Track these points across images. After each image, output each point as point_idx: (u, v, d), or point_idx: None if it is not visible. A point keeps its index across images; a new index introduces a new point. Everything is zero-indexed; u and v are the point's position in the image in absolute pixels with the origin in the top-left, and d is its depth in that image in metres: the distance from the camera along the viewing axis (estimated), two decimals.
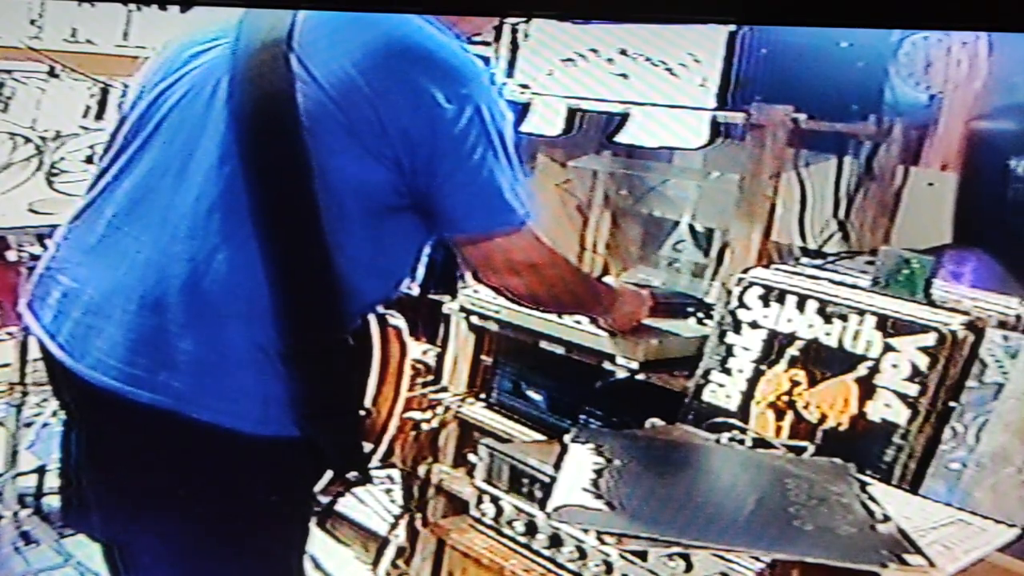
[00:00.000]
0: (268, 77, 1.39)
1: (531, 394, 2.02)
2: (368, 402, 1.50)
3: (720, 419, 1.67)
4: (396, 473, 2.16)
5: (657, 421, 1.72)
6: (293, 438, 1.43)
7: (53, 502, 2.66)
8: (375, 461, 1.55)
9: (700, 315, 1.88)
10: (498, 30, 2.08)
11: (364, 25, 1.39)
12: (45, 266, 1.54)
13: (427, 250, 1.55)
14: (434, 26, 1.42)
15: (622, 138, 1.95)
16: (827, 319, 1.62)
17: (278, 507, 1.48)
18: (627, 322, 1.77)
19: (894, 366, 1.54)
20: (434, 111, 1.38)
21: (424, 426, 2.05)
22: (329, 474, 1.49)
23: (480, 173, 1.42)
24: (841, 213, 1.94)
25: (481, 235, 1.47)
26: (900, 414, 1.52)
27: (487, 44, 2.09)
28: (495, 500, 1.67)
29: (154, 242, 1.41)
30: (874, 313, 1.58)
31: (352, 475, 1.49)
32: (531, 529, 1.62)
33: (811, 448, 1.57)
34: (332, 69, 1.37)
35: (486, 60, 2.05)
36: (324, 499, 1.51)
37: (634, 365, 1.77)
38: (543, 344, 1.89)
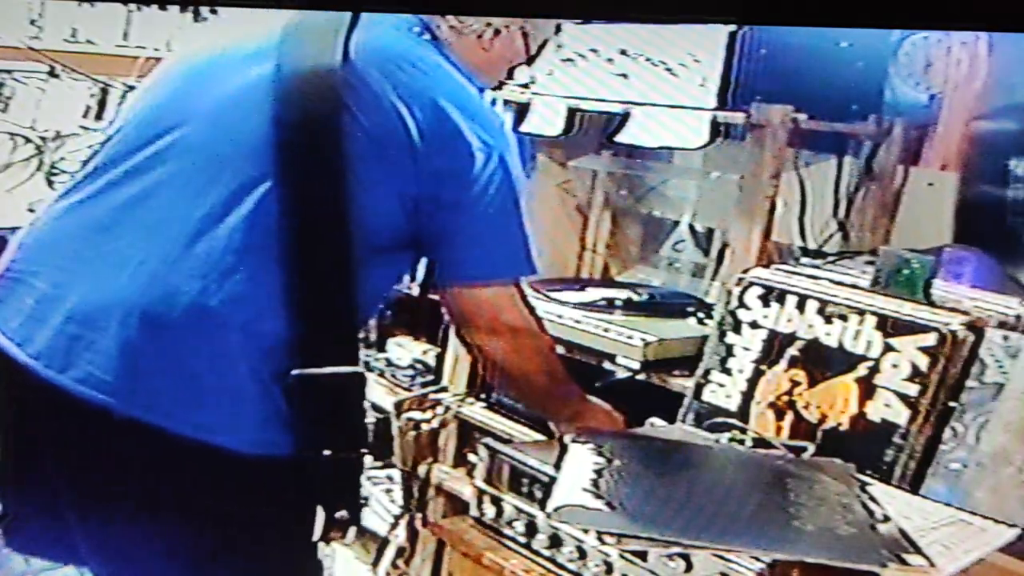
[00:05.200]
0: (317, 104, 1.38)
1: None
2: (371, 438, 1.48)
3: (720, 419, 1.67)
4: (396, 473, 2.15)
5: (657, 421, 1.72)
6: (289, 462, 1.39)
7: None
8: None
9: (700, 315, 1.88)
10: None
11: (418, 71, 1.43)
12: (5, 268, 1.46)
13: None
14: (463, 75, 1.47)
15: (622, 138, 1.95)
16: (827, 319, 1.62)
17: (275, 532, 1.44)
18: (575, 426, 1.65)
19: (894, 366, 1.54)
20: (469, 158, 1.41)
21: (424, 426, 2.04)
22: (321, 517, 1.44)
23: (498, 221, 1.45)
24: (841, 213, 1.94)
25: (479, 283, 1.48)
26: (900, 414, 1.51)
27: None
28: (495, 500, 1.66)
29: (162, 255, 1.36)
30: (874, 313, 1.58)
31: (341, 515, 1.44)
32: (531, 529, 1.61)
33: (811, 448, 1.57)
34: (383, 105, 1.39)
35: None
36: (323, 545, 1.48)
37: (634, 365, 1.77)
38: None
